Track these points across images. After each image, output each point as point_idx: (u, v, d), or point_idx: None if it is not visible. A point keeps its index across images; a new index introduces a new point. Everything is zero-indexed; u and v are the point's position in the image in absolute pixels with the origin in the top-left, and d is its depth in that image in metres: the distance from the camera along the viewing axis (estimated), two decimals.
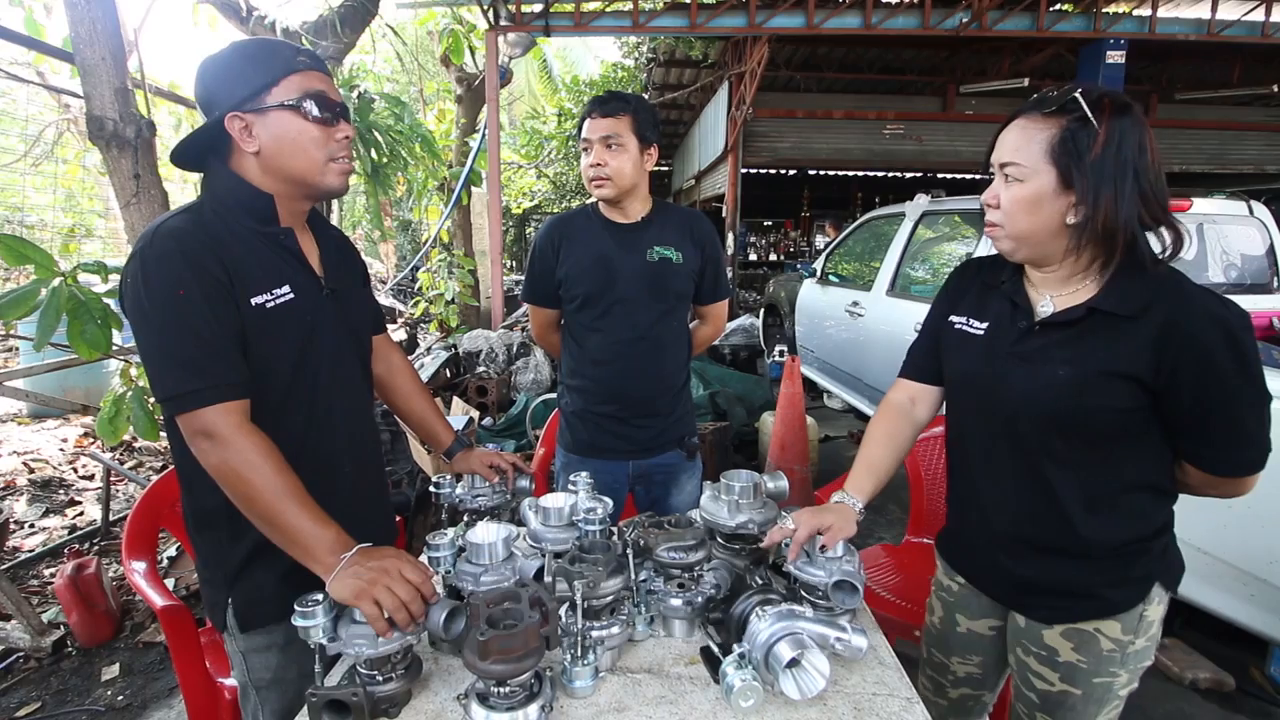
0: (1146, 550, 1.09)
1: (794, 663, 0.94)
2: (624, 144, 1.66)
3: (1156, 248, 1.02)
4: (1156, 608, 1.11)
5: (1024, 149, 1.01)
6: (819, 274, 5.33)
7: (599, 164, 1.66)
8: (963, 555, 1.30)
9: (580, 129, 1.72)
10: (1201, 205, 3.37)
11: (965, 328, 1.19)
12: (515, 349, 5.16)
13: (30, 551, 3.20)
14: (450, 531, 1.23)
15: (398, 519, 1.50)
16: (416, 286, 6.85)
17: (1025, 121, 1.03)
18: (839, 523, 1.13)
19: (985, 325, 1.16)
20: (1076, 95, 0.98)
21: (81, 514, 3.68)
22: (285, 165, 1.11)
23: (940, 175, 10.96)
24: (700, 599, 1.15)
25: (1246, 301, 1.00)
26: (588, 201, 1.82)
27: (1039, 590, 1.15)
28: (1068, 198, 1.00)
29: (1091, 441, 1.05)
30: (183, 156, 1.14)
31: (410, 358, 5.15)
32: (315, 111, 1.10)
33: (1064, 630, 1.13)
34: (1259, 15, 6.65)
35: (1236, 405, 0.98)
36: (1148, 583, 1.09)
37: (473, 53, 7.23)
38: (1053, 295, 1.09)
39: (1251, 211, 3.43)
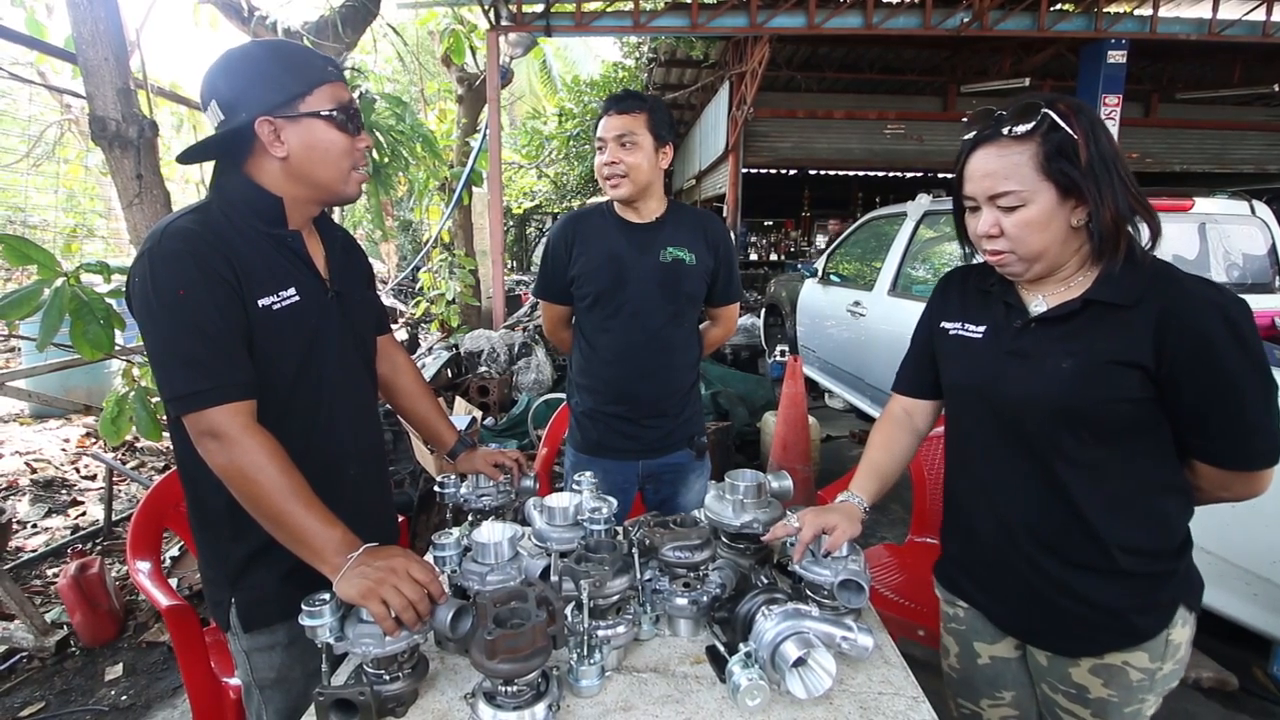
0: (1173, 572, 1.06)
1: (800, 662, 0.95)
2: (638, 142, 1.66)
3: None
4: (1182, 630, 1.08)
5: (1014, 175, 0.99)
6: (820, 274, 5.33)
7: (614, 161, 1.67)
8: (968, 580, 1.24)
9: (596, 128, 1.73)
10: (1203, 205, 3.38)
11: (962, 332, 1.18)
12: (517, 349, 5.16)
13: (33, 552, 3.21)
14: (456, 531, 1.23)
15: (400, 519, 1.51)
16: (417, 286, 6.86)
17: (996, 149, 1.00)
18: (844, 523, 1.13)
19: (983, 328, 1.14)
20: (1046, 110, 0.97)
21: (84, 514, 3.68)
22: (313, 173, 1.12)
23: (941, 175, 10.96)
24: (706, 598, 1.16)
25: (1248, 301, 0.99)
26: (603, 200, 1.82)
27: (1058, 612, 1.09)
28: (1069, 205, 0.99)
29: (1102, 437, 1.02)
30: (199, 155, 1.15)
31: (411, 358, 5.14)
32: (345, 122, 1.11)
33: (1091, 667, 1.09)
34: (1260, 15, 6.65)
35: (1240, 392, 0.95)
36: (1172, 608, 1.06)
37: (474, 53, 7.22)
38: (1045, 295, 1.08)
39: (1253, 211, 3.44)
